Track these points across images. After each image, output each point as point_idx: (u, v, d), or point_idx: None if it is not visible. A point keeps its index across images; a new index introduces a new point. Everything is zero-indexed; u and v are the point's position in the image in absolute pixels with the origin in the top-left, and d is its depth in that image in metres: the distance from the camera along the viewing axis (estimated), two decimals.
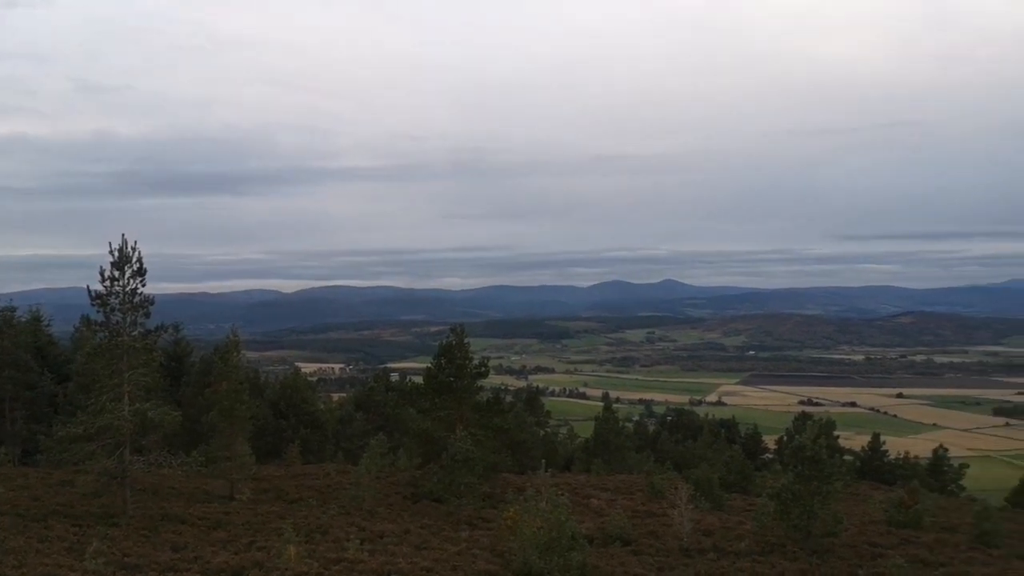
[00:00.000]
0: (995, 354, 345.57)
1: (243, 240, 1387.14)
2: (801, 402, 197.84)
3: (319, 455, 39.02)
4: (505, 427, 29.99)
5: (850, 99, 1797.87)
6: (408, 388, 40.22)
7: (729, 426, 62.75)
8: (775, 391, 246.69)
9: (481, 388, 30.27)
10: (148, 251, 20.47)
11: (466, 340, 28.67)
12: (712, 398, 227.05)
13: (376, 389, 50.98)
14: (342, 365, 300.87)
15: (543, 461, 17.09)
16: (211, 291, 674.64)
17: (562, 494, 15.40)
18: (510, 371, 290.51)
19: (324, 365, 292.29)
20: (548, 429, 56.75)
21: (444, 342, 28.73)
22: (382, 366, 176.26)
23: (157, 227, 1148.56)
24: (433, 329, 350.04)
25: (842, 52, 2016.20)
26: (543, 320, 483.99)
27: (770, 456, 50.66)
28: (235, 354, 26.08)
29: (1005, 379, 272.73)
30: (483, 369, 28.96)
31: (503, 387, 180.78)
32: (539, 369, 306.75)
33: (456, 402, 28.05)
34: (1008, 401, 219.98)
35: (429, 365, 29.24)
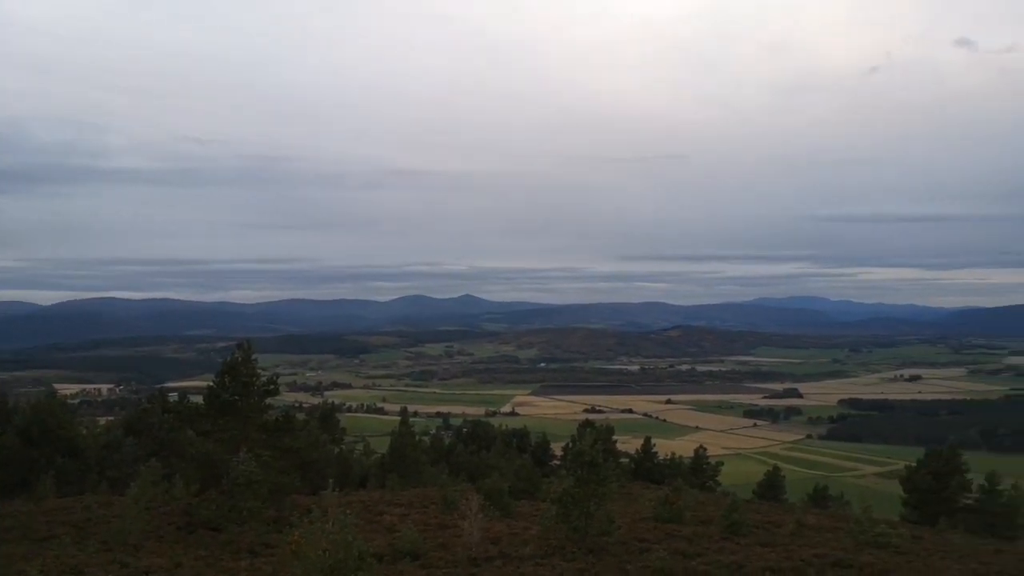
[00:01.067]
0: (746, 363, 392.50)
1: None
2: (586, 410, 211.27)
3: (79, 486, 34.84)
4: (295, 447, 28.81)
5: (629, 131, 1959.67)
6: (187, 408, 37.23)
7: (521, 435, 65.23)
8: (563, 400, 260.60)
9: (270, 407, 28.84)
10: None
11: (254, 356, 27.20)
12: (506, 409, 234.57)
13: (151, 411, 46.51)
14: (111, 385, 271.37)
15: (331, 480, 16.69)
16: None
17: (351, 513, 15.14)
18: (305, 388, 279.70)
19: (90, 386, 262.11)
20: (343, 446, 55.31)
21: (229, 358, 27.04)
22: (159, 386, 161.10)
23: None
24: (221, 345, 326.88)
25: (625, 88, 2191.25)
26: (341, 335, 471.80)
27: (557, 463, 53.42)
28: None
29: (754, 385, 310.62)
30: (272, 386, 27.62)
31: (296, 405, 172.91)
32: (336, 385, 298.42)
33: (241, 422, 26.46)
34: (756, 405, 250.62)
35: (211, 383, 27.36)
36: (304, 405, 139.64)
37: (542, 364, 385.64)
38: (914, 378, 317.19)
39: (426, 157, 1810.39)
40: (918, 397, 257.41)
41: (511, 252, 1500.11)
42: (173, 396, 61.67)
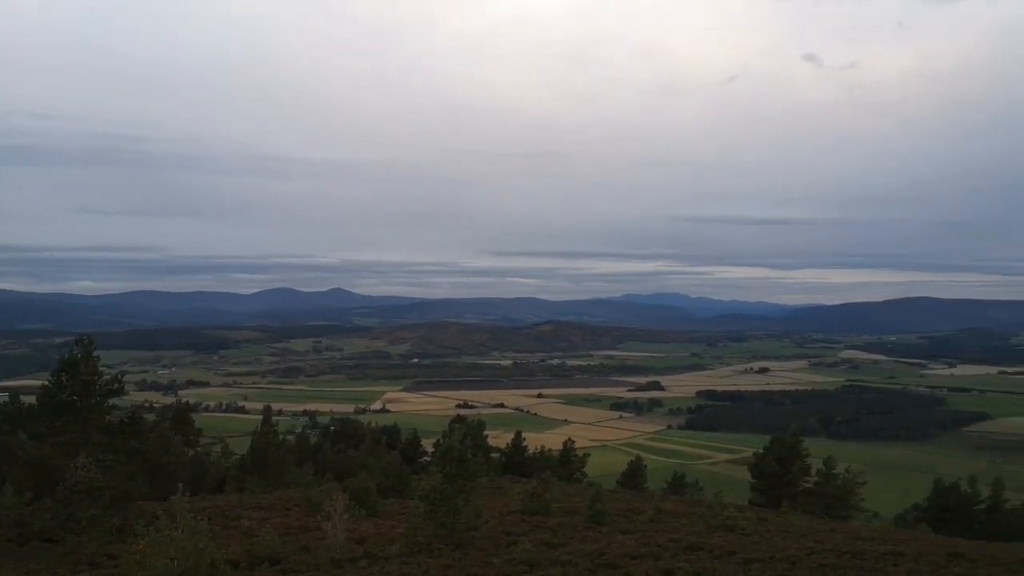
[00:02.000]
0: (613, 357, 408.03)
1: None
2: (458, 406, 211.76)
3: None
4: (142, 449, 26.83)
5: (503, 125, 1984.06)
6: (18, 409, 33.82)
7: (391, 432, 64.46)
8: (436, 396, 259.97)
9: (115, 407, 26.68)
10: None
11: (96, 352, 25.05)
12: (377, 406, 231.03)
13: None
14: None
15: (180, 485, 15.62)
16: None
17: (204, 518, 14.23)
18: (157, 387, 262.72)
19: None
20: (199, 448, 52.32)
21: (67, 355, 24.74)
22: None
23: None
24: (59, 340, 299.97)
25: (499, 81, 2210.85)
26: (199, 329, 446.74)
27: (428, 459, 53.12)
28: None
29: (621, 378, 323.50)
30: (116, 385, 25.55)
31: (146, 404, 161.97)
32: (192, 383, 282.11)
33: (80, 424, 24.33)
34: (621, 398, 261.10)
35: (46, 382, 24.96)
36: (155, 405, 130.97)
37: (414, 360, 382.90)
38: (763, 370, 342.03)
39: (294, 143, 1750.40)
40: (766, 388, 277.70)
41: (383, 245, 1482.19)
42: (3, 396, 56.02)
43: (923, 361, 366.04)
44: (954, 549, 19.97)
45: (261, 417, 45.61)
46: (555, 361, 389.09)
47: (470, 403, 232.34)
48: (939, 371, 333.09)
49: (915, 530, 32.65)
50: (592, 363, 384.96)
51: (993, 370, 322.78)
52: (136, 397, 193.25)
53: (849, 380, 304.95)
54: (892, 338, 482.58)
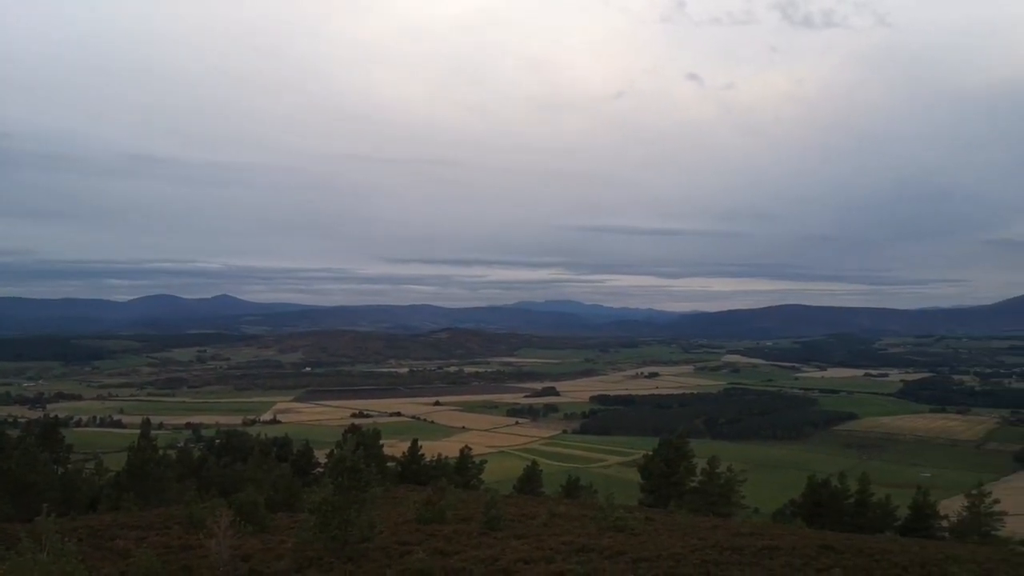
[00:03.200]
0: (509, 364, 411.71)
1: None
2: (353, 415, 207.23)
3: None
4: (4, 468, 24.83)
5: (399, 133, 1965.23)
6: None
7: (281, 444, 62.18)
8: (329, 406, 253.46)
9: None
10: None
11: None
12: (267, 416, 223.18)
13: None
14: None
15: (45, 505, 14.55)
16: None
17: (73, 540, 13.33)
18: (23, 400, 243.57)
19: None
20: (70, 466, 48.77)
21: None
22: None
23: None
24: None
25: (391, 89, 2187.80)
26: (69, 338, 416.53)
27: (321, 471, 51.67)
28: None
29: (516, 384, 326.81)
30: None
31: (9, 419, 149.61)
32: (62, 396, 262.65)
33: None
34: (518, 404, 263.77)
35: None
36: (20, 420, 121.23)
37: (307, 369, 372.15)
38: (652, 375, 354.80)
39: (173, 144, 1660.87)
40: (655, 392, 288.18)
41: (272, 251, 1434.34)
42: None
43: (797, 365, 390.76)
44: (824, 541, 21.41)
45: (139, 431, 43.08)
46: (452, 368, 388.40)
47: (366, 412, 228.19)
48: (811, 374, 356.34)
49: (791, 524, 34.72)
50: (489, 370, 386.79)
51: (859, 372, 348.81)
52: None
53: (731, 383, 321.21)
54: (769, 343, 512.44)
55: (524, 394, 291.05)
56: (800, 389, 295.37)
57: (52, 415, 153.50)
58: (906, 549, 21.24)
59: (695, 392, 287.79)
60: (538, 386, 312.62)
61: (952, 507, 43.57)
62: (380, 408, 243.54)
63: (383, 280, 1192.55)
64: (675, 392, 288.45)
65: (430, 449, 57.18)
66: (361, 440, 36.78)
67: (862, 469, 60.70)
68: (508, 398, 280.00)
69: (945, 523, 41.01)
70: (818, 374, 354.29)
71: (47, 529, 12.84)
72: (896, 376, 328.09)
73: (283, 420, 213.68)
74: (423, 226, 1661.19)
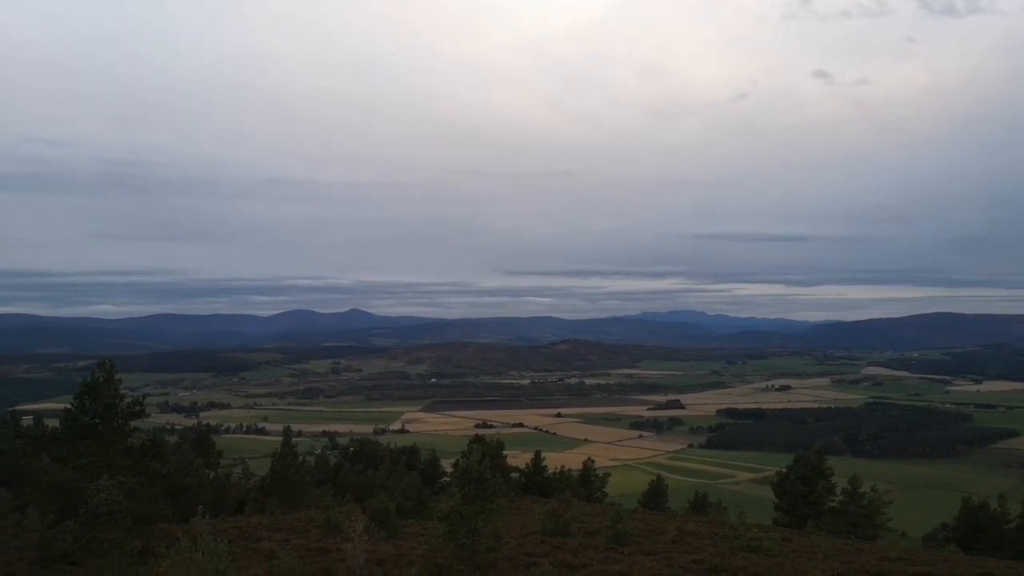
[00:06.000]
0: (631, 376, 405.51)
1: None
2: (476, 425, 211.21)
3: None
4: (164, 472, 26.97)
5: (511, 146, 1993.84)
6: (42, 433, 34.18)
7: (410, 453, 64.29)
8: (454, 416, 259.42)
9: (136, 429, 26.87)
10: None
11: (118, 375, 25.27)
12: (396, 426, 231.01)
13: (1, 436, 42.44)
14: None
15: (200, 507, 15.66)
16: None
17: (224, 540, 14.25)
18: (179, 409, 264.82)
19: None
20: (220, 470, 52.54)
21: (89, 378, 24.97)
22: (10, 408, 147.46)
23: None
24: (82, 364, 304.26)
25: (504, 103, 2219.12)
26: (218, 352, 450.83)
27: (447, 480, 52.87)
28: None
29: (639, 397, 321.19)
30: (138, 408, 25.71)
31: (168, 427, 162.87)
32: (212, 405, 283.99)
33: (102, 447, 24.49)
34: (641, 416, 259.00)
35: (69, 405, 25.18)
36: (176, 427, 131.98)
37: (433, 380, 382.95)
38: (784, 388, 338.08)
39: (304, 166, 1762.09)
40: (788, 406, 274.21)
41: (398, 266, 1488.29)
42: (27, 420, 56.72)
43: (948, 377, 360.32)
44: (984, 570, 19.52)
45: (281, 438, 45.75)
46: (573, 380, 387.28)
47: (489, 423, 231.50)
48: (964, 387, 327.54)
49: (944, 550, 31.93)
50: (610, 382, 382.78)
51: (1020, 386, 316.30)
52: (158, 419, 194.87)
53: (873, 397, 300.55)
54: (915, 354, 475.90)
55: (647, 407, 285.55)
56: (952, 404, 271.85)
57: (204, 423, 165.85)
58: None
59: (832, 406, 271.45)
60: (662, 399, 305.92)
61: None
62: (502, 419, 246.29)
63: (502, 292, 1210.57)
64: (810, 406, 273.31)
65: (553, 461, 57.11)
66: (486, 451, 37.27)
67: None
68: (630, 411, 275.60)
69: None
70: (972, 388, 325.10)
71: (202, 530, 13.82)
72: None
73: (411, 430, 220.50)
74: (540, 238, 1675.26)
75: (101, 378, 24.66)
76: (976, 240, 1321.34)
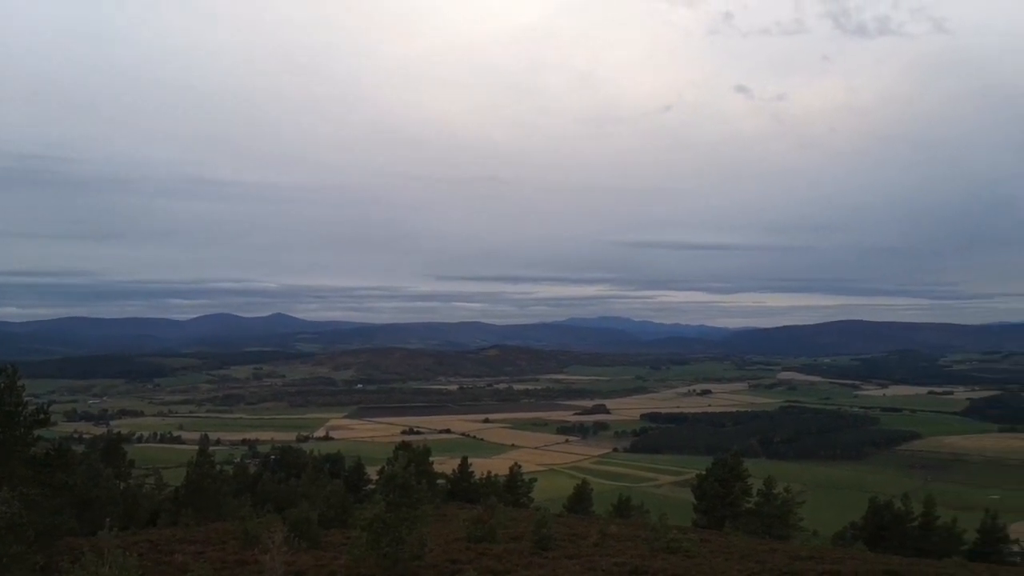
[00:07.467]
0: (559, 381, 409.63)
1: None
2: (403, 432, 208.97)
3: None
4: (69, 483, 25.68)
5: (443, 150, 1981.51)
6: None
7: (334, 460, 63.04)
8: (381, 422, 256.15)
9: (40, 439, 25.46)
10: None
11: (21, 381, 23.91)
12: (320, 433, 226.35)
13: None
14: None
15: (108, 520, 14.99)
16: None
17: (133, 554, 13.68)
18: (88, 417, 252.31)
19: None
20: (131, 481, 50.26)
21: None
22: None
23: None
24: None
25: (437, 107, 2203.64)
26: (132, 357, 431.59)
27: (372, 487, 52.11)
28: None
29: (566, 402, 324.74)
30: (42, 416, 24.40)
31: (75, 436, 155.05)
32: (124, 413, 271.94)
33: (3, 457, 23.12)
34: (568, 421, 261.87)
35: None
36: (85, 436, 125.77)
37: (359, 386, 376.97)
38: (705, 392, 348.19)
39: (229, 166, 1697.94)
40: (708, 410, 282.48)
41: (324, 269, 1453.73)
42: None
43: (856, 382, 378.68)
44: (888, 567, 20.58)
45: (197, 447, 44.17)
46: (501, 385, 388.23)
47: (416, 429, 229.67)
48: (872, 392, 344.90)
49: (852, 548, 33.52)
50: (538, 387, 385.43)
51: (923, 390, 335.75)
52: (65, 428, 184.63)
53: (787, 401, 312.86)
54: (827, 360, 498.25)
55: (574, 412, 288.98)
56: (860, 407, 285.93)
57: (115, 431, 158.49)
58: (974, 575, 20.25)
59: (749, 410, 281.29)
60: (588, 404, 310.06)
61: (1023, 531, 41.56)
62: (430, 425, 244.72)
63: (432, 298, 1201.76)
64: (729, 410, 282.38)
65: (480, 466, 57.22)
66: (412, 457, 36.96)
67: (927, 491, 58.33)
68: (557, 415, 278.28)
69: (1016, 547, 39.17)
70: (879, 392, 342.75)
71: (110, 543, 13.22)
72: (962, 394, 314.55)
73: (336, 436, 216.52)
74: (472, 243, 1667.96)
75: (2, 385, 23.28)
76: (887, 251, 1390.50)
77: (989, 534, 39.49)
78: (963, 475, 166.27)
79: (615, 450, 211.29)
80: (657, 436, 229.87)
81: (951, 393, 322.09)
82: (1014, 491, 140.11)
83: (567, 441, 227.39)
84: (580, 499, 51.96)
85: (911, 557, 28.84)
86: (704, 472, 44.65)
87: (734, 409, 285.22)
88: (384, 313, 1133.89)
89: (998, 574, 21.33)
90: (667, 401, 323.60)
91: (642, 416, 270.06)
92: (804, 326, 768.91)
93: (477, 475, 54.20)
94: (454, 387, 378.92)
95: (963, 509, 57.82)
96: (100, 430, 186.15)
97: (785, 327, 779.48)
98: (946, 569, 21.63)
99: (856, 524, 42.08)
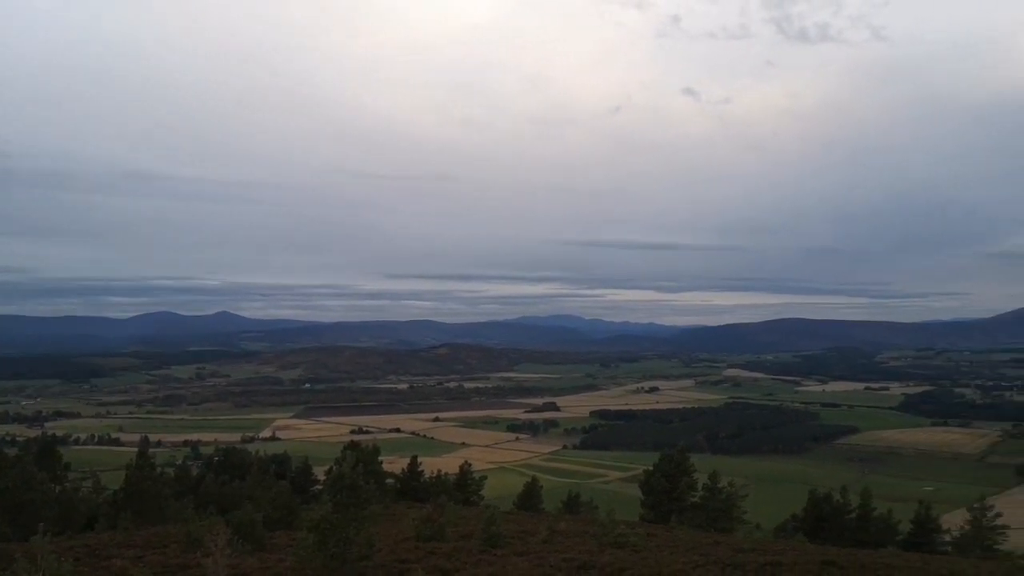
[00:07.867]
0: (510, 379, 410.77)
1: None
2: (352, 431, 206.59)
3: None
4: (3, 487, 24.72)
5: (397, 149, 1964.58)
6: None
7: (280, 461, 61.90)
8: (329, 422, 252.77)
9: None
10: None
11: None
12: (266, 434, 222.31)
13: None
14: None
15: (41, 524, 14.46)
16: None
17: (69, 559, 13.23)
18: (21, 418, 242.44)
19: None
20: (67, 484, 48.53)
21: None
22: None
23: None
24: None
25: (387, 105, 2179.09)
26: (68, 356, 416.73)
27: (319, 488, 51.38)
28: None
29: (517, 400, 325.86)
30: None
31: (7, 438, 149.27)
32: (60, 414, 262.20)
33: None
34: (518, 419, 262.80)
35: None
36: (18, 439, 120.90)
37: (307, 385, 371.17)
38: (653, 389, 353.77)
39: (172, 161, 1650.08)
40: (656, 407, 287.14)
41: (271, 267, 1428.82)
42: None
43: (797, 379, 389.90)
44: (827, 557, 21.25)
45: (137, 449, 42.89)
46: (452, 384, 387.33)
47: (365, 428, 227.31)
48: (812, 388, 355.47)
49: (792, 540, 34.50)
50: (489, 385, 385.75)
51: (860, 386, 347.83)
52: None
53: (732, 397, 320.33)
54: (770, 357, 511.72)
55: (524, 409, 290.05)
56: (801, 403, 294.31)
57: (50, 433, 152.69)
58: (909, 564, 21.10)
59: (696, 407, 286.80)
60: (538, 401, 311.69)
61: (954, 521, 43.38)
62: (379, 424, 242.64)
63: (382, 296, 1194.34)
64: (676, 407, 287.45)
65: (430, 465, 56.91)
66: (360, 457, 36.63)
67: (864, 483, 60.42)
68: (508, 413, 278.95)
69: (948, 537, 40.83)
70: (819, 388, 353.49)
71: (43, 548, 12.76)
72: (897, 389, 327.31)
73: (282, 437, 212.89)
74: (422, 242, 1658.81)
75: None
76: (827, 251, 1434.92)
77: (923, 525, 41.10)
78: (898, 468, 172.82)
79: (565, 447, 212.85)
80: (606, 433, 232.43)
81: (887, 389, 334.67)
82: (946, 483, 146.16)
83: (517, 439, 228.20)
84: (530, 496, 52.19)
85: (849, 547, 29.86)
86: (651, 468, 45.33)
87: (681, 406, 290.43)
88: (333, 312, 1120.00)
89: (931, 563, 22.26)
90: (616, 398, 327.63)
91: (592, 413, 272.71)
92: (748, 324, 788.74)
93: (427, 474, 53.93)
94: (404, 386, 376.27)
95: (898, 501, 60.12)
96: (34, 432, 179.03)
97: (730, 325, 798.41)
98: (882, 559, 22.47)
99: (797, 516, 43.29)
